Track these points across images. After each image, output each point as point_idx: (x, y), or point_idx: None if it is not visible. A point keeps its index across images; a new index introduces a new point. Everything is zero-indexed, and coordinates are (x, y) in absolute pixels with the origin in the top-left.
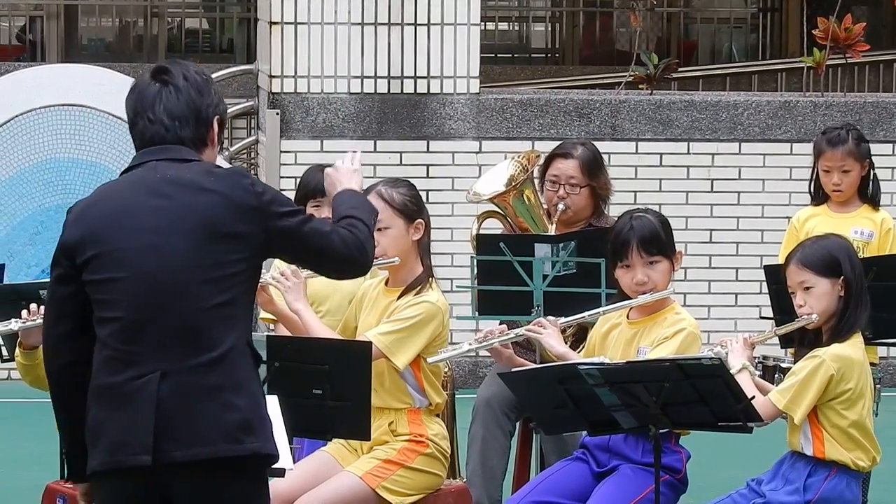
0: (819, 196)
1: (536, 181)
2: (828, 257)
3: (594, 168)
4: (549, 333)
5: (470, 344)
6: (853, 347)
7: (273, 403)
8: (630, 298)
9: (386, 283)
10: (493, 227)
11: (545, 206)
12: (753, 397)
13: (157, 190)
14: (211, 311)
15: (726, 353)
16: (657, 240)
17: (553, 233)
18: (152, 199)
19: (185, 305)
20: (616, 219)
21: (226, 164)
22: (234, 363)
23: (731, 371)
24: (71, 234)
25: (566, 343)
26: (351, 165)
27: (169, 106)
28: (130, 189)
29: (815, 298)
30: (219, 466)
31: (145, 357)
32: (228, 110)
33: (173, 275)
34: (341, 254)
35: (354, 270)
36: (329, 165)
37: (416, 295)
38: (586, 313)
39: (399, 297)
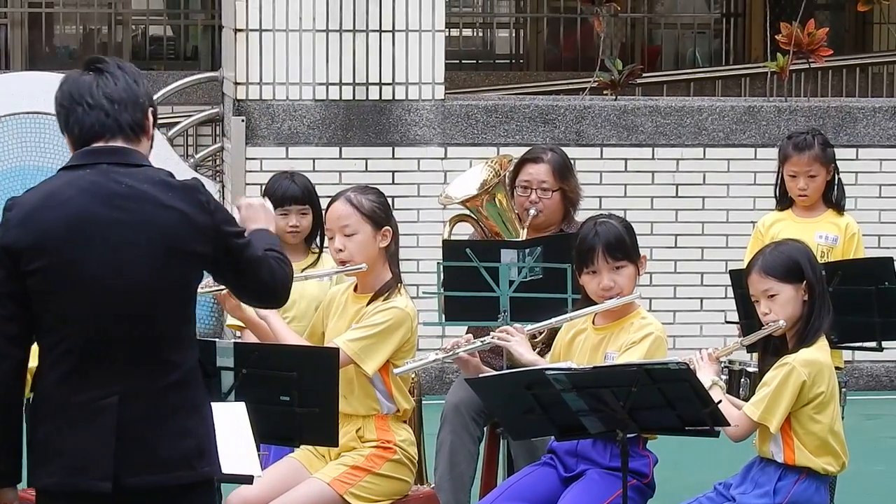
0: (784, 201)
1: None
2: (789, 263)
3: (565, 172)
4: (518, 341)
5: (437, 354)
6: (821, 351)
7: (241, 411)
8: (596, 304)
9: (355, 289)
10: (465, 230)
11: (516, 211)
12: (720, 401)
13: (114, 201)
14: (170, 333)
15: (686, 363)
16: (622, 245)
17: (524, 237)
18: (110, 210)
19: (146, 326)
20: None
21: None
22: (192, 385)
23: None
24: (17, 237)
25: (536, 350)
26: (265, 207)
27: (108, 91)
28: (84, 196)
29: (780, 305)
30: (174, 492)
31: (105, 378)
32: (194, 117)
33: (135, 294)
34: (266, 283)
35: (271, 302)
36: (293, 172)
37: (384, 301)
38: (553, 320)
39: (368, 303)
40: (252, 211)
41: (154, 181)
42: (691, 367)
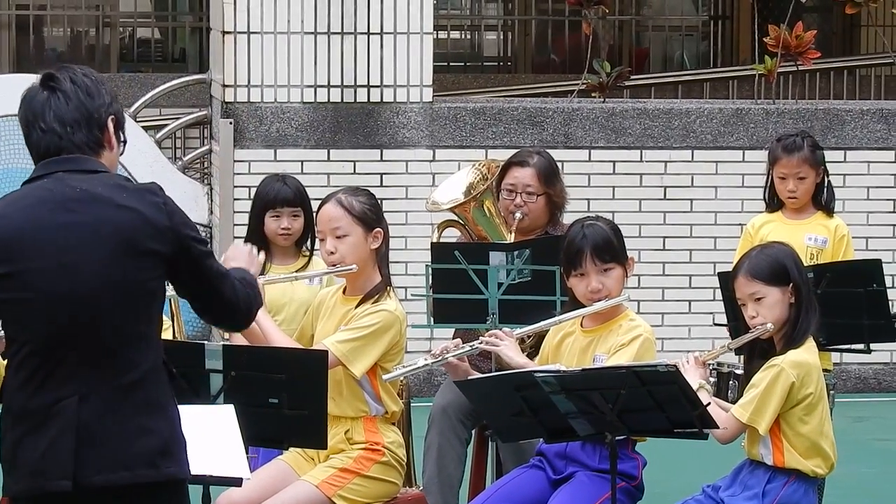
0: (774, 203)
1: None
2: (776, 265)
3: (550, 176)
4: (507, 345)
5: (426, 359)
6: (809, 352)
7: (229, 413)
8: (584, 306)
9: (344, 292)
10: (453, 236)
11: (503, 215)
12: (709, 403)
13: (66, 205)
14: (128, 332)
15: (675, 366)
16: (610, 247)
17: (511, 241)
18: (62, 214)
19: (101, 327)
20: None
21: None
22: (153, 384)
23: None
24: None
25: (525, 353)
26: (252, 253)
27: (59, 113)
28: (38, 204)
29: (768, 308)
30: (138, 492)
31: (63, 380)
32: (181, 120)
33: (87, 296)
34: (228, 300)
35: (230, 323)
36: (285, 175)
37: (373, 303)
38: (542, 323)
39: (357, 306)
40: (237, 251)
41: (108, 184)
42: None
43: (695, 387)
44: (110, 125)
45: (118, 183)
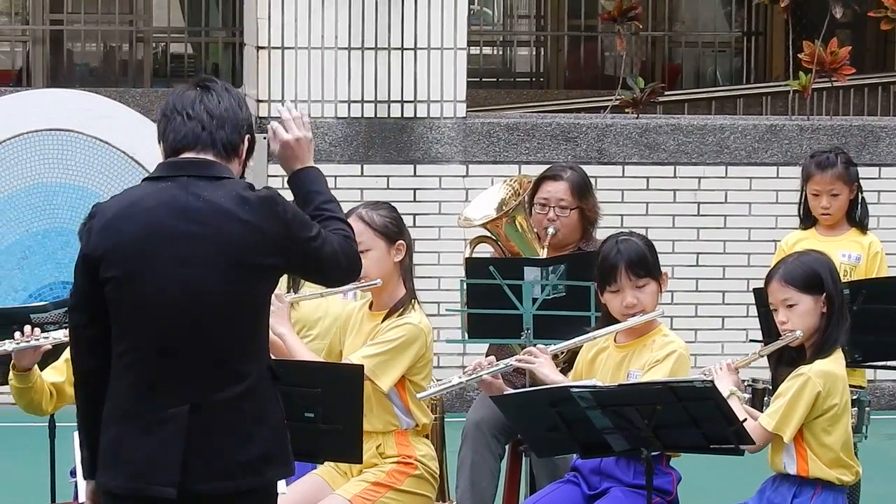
0: (808, 220)
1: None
2: (810, 273)
3: (583, 191)
4: (542, 362)
5: (459, 377)
6: (836, 363)
7: None
8: (617, 321)
9: (370, 307)
10: (485, 251)
11: (535, 230)
12: (745, 420)
13: (188, 215)
14: (238, 343)
15: (712, 381)
16: (644, 262)
17: (545, 257)
18: (183, 224)
19: (213, 338)
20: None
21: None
22: (260, 393)
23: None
24: (97, 245)
25: (558, 369)
26: (304, 133)
27: (210, 106)
28: (161, 208)
29: (798, 315)
30: (238, 497)
31: (174, 388)
32: None
33: (202, 307)
34: (344, 269)
35: (350, 279)
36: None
37: (398, 317)
38: (576, 339)
39: (383, 320)
40: (289, 151)
41: (231, 195)
42: (709, 377)
43: (726, 393)
44: (246, 141)
45: (240, 194)
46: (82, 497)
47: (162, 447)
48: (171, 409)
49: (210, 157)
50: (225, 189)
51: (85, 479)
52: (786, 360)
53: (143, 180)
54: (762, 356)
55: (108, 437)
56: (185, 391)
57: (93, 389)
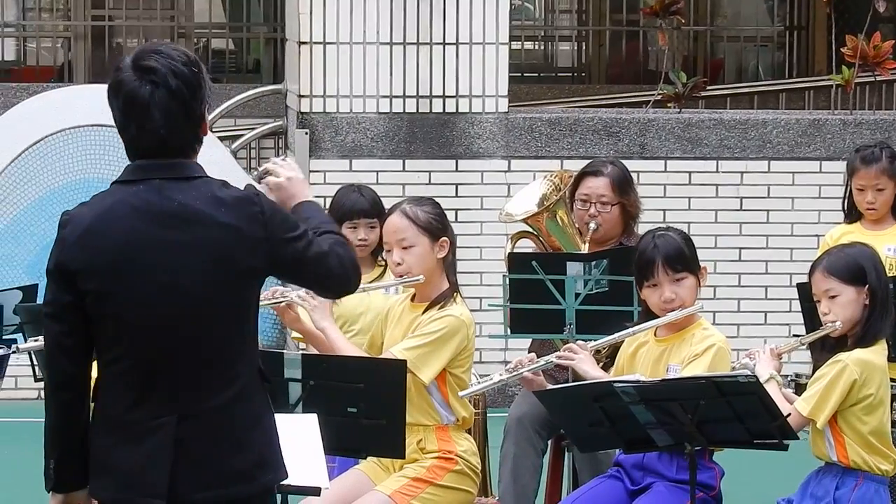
0: (852, 214)
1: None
2: (853, 265)
3: (624, 186)
4: (582, 359)
5: (500, 374)
6: (876, 353)
7: (312, 422)
8: (657, 316)
9: (412, 299)
10: (526, 246)
11: (577, 226)
12: (789, 414)
13: (164, 221)
14: (226, 349)
15: (754, 364)
16: (682, 256)
17: (587, 252)
18: (161, 231)
19: (200, 346)
20: None
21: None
22: (250, 398)
23: (759, 380)
24: (72, 257)
25: (600, 364)
26: (294, 173)
27: (164, 111)
28: (136, 215)
29: (840, 307)
30: (233, 502)
31: (162, 397)
32: (257, 130)
33: (185, 316)
34: (338, 275)
35: (348, 288)
36: (360, 185)
37: (440, 309)
38: (616, 335)
39: (424, 312)
40: (284, 191)
41: (206, 197)
42: (752, 360)
43: (766, 376)
44: (205, 113)
45: (216, 195)
46: None
47: (151, 458)
48: (160, 419)
49: (175, 160)
50: (199, 191)
51: (48, 490)
52: (828, 348)
53: (113, 184)
54: (803, 344)
55: (97, 446)
56: (175, 401)
57: (71, 396)
